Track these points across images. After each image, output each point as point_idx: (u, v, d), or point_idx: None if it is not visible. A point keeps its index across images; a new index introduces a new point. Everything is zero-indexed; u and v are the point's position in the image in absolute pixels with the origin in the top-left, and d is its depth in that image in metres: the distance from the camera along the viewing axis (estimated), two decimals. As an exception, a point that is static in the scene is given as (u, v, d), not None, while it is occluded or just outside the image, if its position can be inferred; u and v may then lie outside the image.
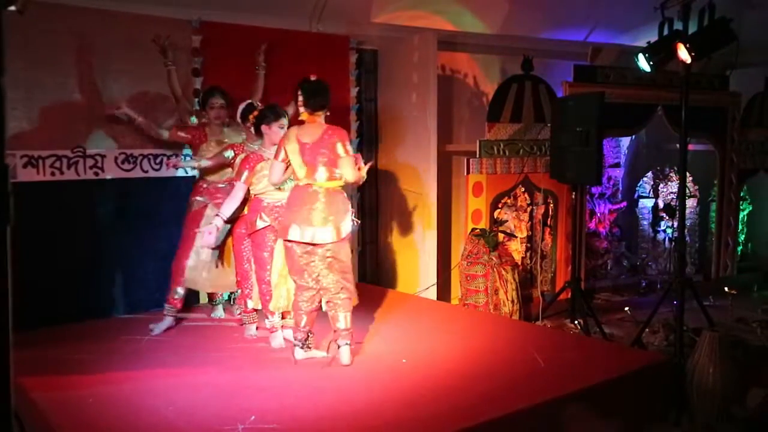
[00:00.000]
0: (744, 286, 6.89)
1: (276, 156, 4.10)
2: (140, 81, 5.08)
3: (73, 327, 4.81)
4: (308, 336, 4.21)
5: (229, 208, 4.40)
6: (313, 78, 4.10)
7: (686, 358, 4.31)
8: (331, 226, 3.99)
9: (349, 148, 4.06)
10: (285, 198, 4.27)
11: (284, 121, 4.39)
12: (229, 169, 4.80)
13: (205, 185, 4.88)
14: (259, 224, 4.39)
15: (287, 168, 4.14)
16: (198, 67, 5.38)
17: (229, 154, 4.71)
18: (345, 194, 4.18)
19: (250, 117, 4.57)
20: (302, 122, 4.16)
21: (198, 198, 4.86)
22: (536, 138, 6.29)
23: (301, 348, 4.17)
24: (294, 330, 4.19)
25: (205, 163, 4.76)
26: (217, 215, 4.41)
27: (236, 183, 4.43)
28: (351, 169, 4.03)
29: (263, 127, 4.40)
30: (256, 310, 4.71)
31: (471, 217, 6.01)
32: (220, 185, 4.85)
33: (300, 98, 4.05)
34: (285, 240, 4.08)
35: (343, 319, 4.08)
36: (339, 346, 4.09)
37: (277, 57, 5.50)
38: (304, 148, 4.01)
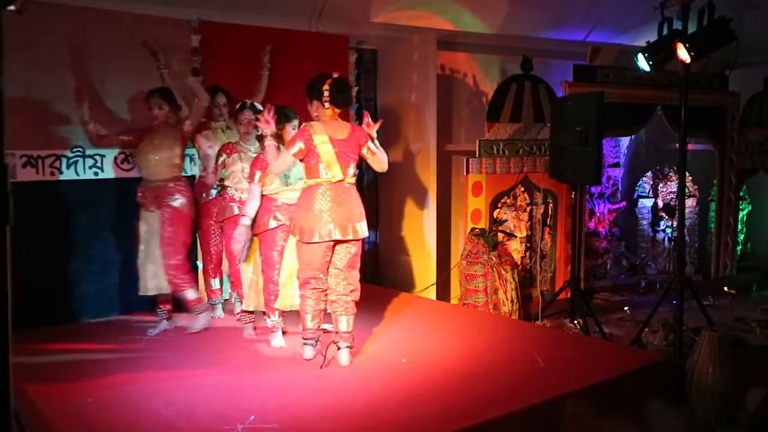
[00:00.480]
0: (743, 286, 6.90)
1: (288, 148, 4.02)
2: (140, 81, 5.07)
3: (72, 327, 4.81)
4: (320, 335, 4.24)
5: (251, 207, 4.43)
6: (336, 75, 4.09)
7: (686, 358, 4.32)
8: (365, 221, 4.12)
9: (373, 145, 4.13)
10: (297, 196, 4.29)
11: (296, 123, 4.39)
12: (163, 167, 4.68)
13: (140, 183, 4.79)
14: (272, 223, 4.38)
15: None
16: (197, 67, 5.39)
17: (223, 158, 4.74)
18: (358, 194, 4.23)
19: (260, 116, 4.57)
20: (309, 119, 4.17)
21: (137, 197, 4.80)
22: (536, 138, 6.29)
23: (315, 346, 4.19)
24: (306, 330, 4.18)
25: (211, 168, 4.79)
26: (243, 215, 4.45)
27: (250, 184, 4.44)
28: (382, 162, 4.18)
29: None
30: (250, 312, 4.70)
31: (470, 217, 6.01)
32: (150, 184, 4.69)
33: (326, 94, 4.00)
34: (320, 242, 3.99)
35: (345, 323, 4.09)
36: (339, 348, 4.09)
37: (277, 57, 5.51)
38: (337, 144, 3.98)
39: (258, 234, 4.48)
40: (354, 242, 4.09)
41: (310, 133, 3.96)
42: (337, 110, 4.06)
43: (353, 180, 4.12)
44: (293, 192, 4.35)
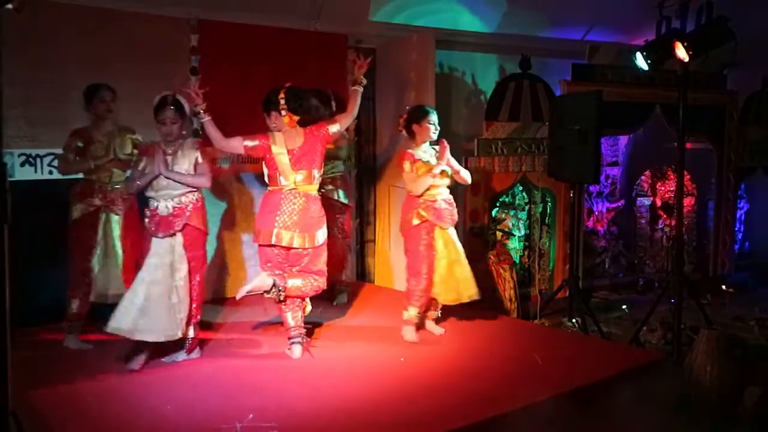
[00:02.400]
0: (741, 285, 6.91)
1: (246, 138, 4.11)
2: (140, 79, 5.07)
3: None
4: (304, 331, 4.30)
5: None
6: (288, 84, 4.21)
7: (684, 357, 4.32)
8: (319, 231, 4.18)
9: (336, 126, 4.28)
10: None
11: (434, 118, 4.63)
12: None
13: None
14: (415, 221, 4.56)
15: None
16: (196, 66, 5.38)
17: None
18: (320, 202, 4.29)
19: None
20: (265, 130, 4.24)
21: None
22: (534, 137, 6.30)
23: (302, 344, 4.20)
24: (290, 329, 4.22)
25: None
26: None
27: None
28: (354, 115, 4.39)
29: (414, 126, 4.61)
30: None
31: (469, 216, 6.01)
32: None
33: (282, 102, 4.13)
34: (267, 245, 4.12)
35: (291, 317, 4.22)
36: (290, 343, 4.21)
37: (275, 56, 5.51)
38: (292, 153, 4.12)
39: (404, 231, 4.64)
40: (303, 250, 4.14)
41: (269, 143, 4.11)
42: (295, 117, 4.15)
43: (313, 188, 4.19)
44: (436, 190, 4.49)
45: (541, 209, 6.46)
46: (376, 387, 3.70)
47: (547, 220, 6.50)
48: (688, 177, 7.36)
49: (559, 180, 5.97)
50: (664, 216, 7.48)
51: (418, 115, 4.62)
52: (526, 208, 6.45)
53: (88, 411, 3.34)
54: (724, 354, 4.10)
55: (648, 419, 4.00)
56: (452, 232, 4.61)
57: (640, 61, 4.98)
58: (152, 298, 3.84)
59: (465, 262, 4.61)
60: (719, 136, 7.31)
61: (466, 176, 4.65)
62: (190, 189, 4.03)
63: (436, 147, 4.62)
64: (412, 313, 4.54)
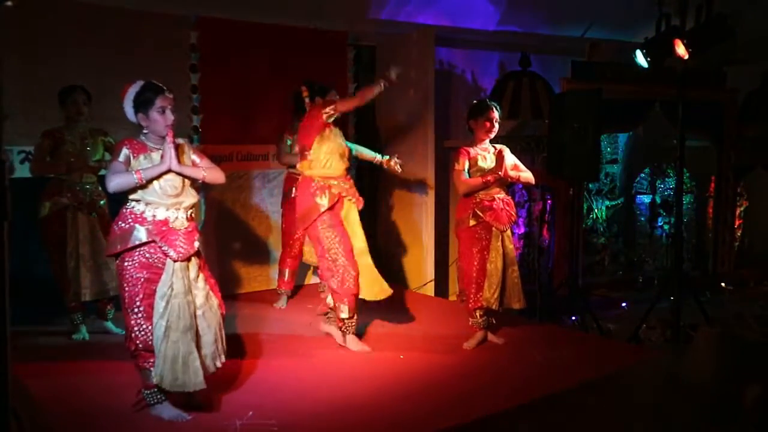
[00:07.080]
0: (741, 282, 6.92)
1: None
2: (139, 77, 5.05)
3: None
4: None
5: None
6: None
7: (683, 354, 4.33)
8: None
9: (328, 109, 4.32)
10: None
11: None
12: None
13: None
14: (472, 222, 4.32)
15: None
16: (195, 63, 5.38)
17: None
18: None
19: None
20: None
21: None
22: (534, 134, 6.29)
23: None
24: (346, 320, 4.27)
25: None
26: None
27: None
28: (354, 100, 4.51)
29: (471, 122, 4.32)
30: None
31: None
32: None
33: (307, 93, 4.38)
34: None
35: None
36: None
37: (275, 53, 5.50)
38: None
39: (458, 232, 4.42)
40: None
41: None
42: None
43: (297, 170, 4.48)
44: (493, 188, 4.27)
45: (540, 207, 6.45)
46: (376, 384, 3.71)
47: (546, 218, 6.50)
48: (688, 174, 7.36)
49: (559, 178, 5.96)
50: (664, 213, 7.48)
51: (476, 110, 4.28)
52: (526, 205, 6.45)
53: (88, 409, 3.34)
54: (723, 351, 4.10)
55: (647, 417, 4.01)
56: (509, 235, 4.35)
57: (640, 59, 4.98)
58: (181, 342, 3.10)
59: (516, 267, 4.35)
60: (719, 133, 7.31)
61: (529, 178, 4.35)
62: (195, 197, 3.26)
63: (496, 147, 4.33)
64: (472, 321, 4.33)
